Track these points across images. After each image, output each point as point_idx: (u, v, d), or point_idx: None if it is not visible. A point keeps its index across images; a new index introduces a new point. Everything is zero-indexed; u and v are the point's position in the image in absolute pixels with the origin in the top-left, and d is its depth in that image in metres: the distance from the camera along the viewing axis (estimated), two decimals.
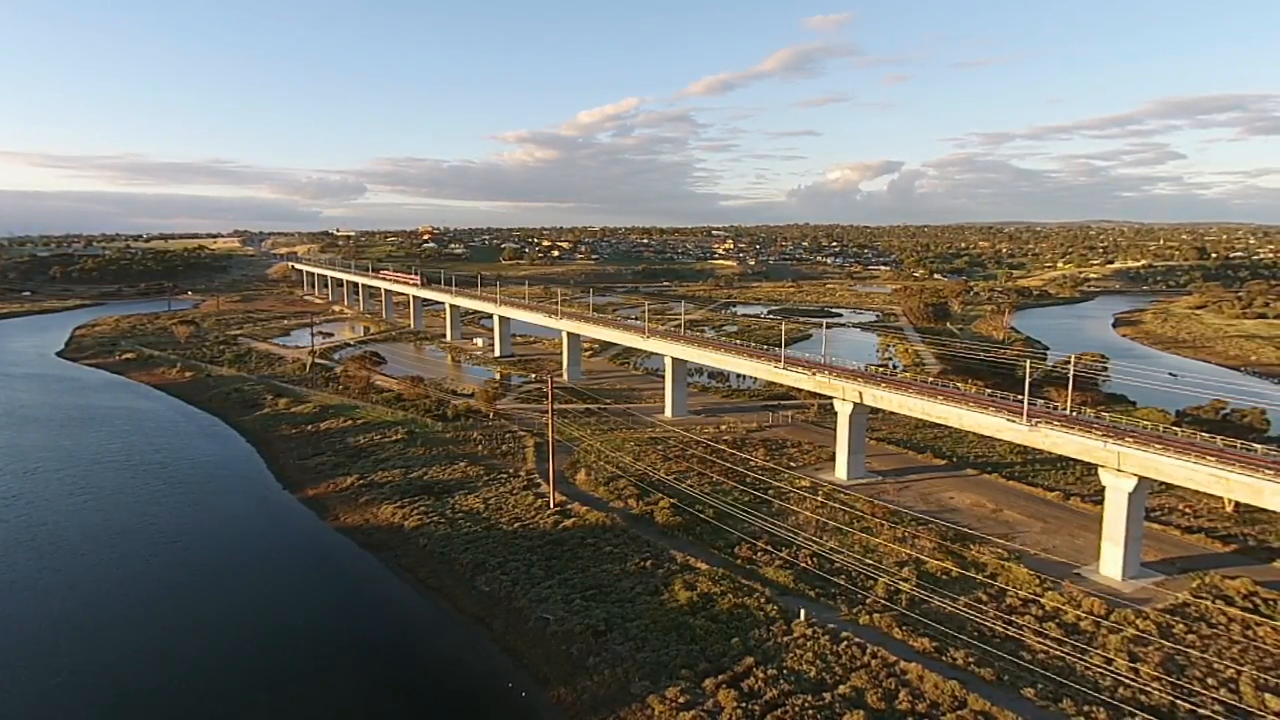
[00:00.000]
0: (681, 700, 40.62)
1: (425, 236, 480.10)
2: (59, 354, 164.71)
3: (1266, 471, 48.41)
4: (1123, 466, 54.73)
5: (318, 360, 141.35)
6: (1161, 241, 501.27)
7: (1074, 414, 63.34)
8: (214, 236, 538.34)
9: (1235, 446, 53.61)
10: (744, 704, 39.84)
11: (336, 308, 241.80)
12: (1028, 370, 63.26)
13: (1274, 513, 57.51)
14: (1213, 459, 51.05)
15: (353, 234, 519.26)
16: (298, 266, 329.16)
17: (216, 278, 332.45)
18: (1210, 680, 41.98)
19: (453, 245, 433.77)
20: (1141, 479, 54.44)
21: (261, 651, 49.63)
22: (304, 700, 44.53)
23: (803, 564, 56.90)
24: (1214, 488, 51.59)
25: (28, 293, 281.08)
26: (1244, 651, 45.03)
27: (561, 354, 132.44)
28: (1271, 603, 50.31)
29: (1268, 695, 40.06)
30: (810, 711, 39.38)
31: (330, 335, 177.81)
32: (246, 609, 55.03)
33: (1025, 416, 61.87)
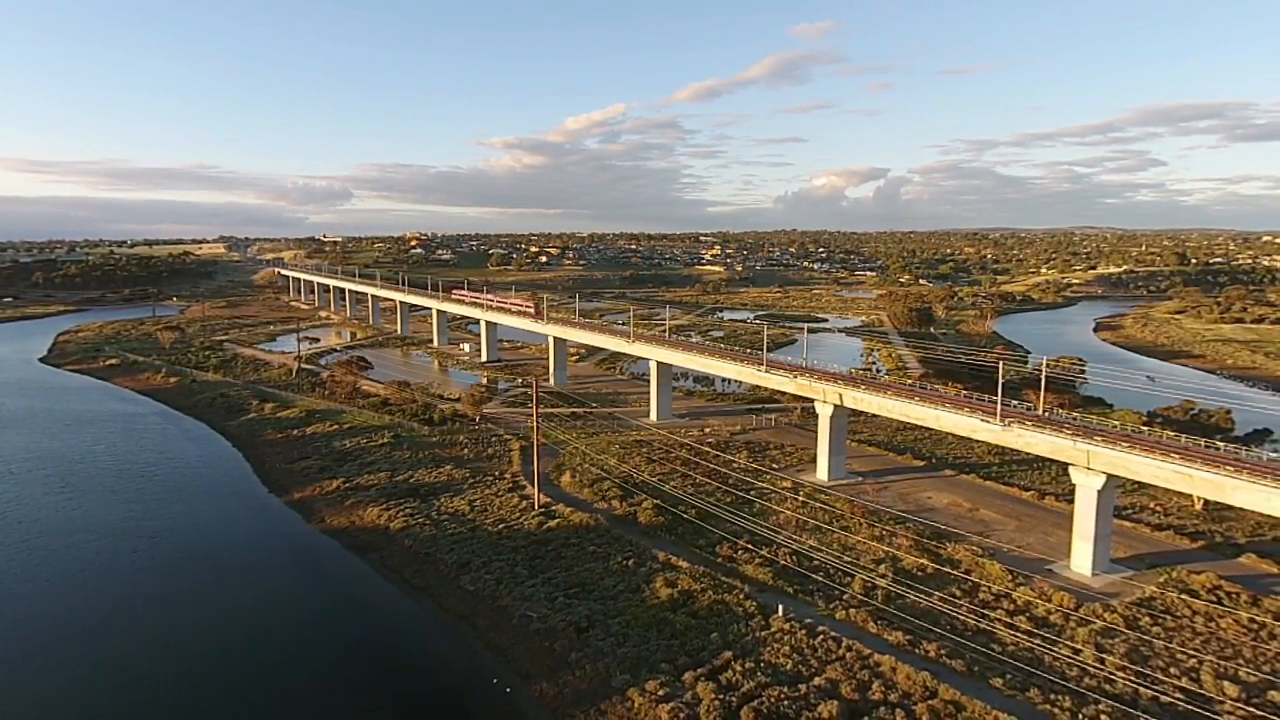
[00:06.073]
0: (661, 693, 41.58)
1: (413, 242, 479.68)
2: (42, 360, 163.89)
3: (1228, 468, 50.02)
4: (1092, 465, 56.23)
5: (304, 365, 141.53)
6: (1143, 247, 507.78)
7: (1046, 415, 64.87)
8: (199, 242, 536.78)
9: (1200, 445, 55.31)
10: (722, 696, 40.80)
11: (323, 313, 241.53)
12: (1000, 373, 64.75)
13: (1241, 510, 59.27)
14: (1177, 457, 52.64)
15: (340, 240, 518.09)
16: (284, 272, 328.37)
17: (202, 283, 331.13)
18: (1173, 669, 43.38)
19: (440, 251, 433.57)
20: (1110, 477, 55.93)
21: (248, 651, 50.12)
22: (291, 698, 45.11)
23: (782, 562, 57.98)
24: (1179, 484, 53.14)
25: (10, 299, 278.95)
26: (1206, 642, 46.50)
27: (548, 359, 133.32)
28: (1235, 596, 51.84)
29: (1226, 683, 41.47)
30: (786, 703, 40.38)
31: (316, 340, 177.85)
32: (232, 611, 55.45)
33: (999, 417, 63.36)
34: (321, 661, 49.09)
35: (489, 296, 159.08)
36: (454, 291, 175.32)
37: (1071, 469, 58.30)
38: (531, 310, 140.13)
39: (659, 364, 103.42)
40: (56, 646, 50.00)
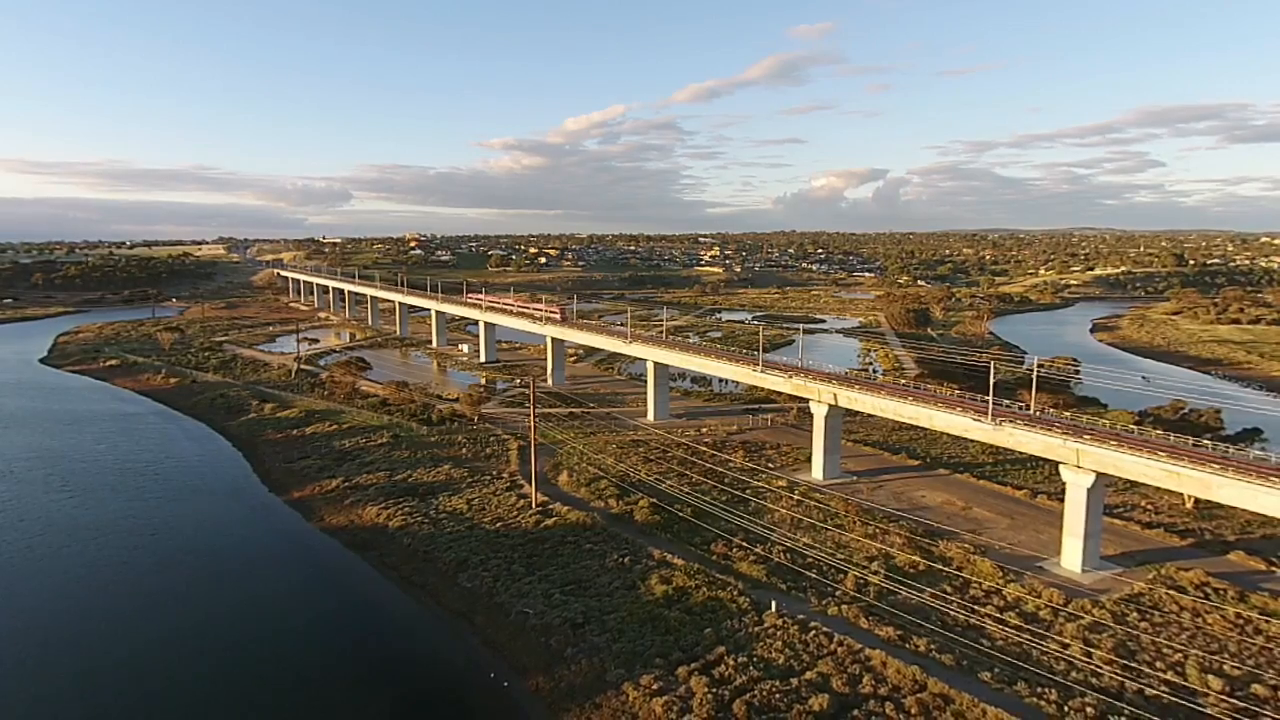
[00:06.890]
0: (655, 687, 42.26)
1: (412, 244, 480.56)
2: (42, 360, 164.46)
3: (1214, 466, 50.75)
4: (1081, 463, 56.93)
5: (303, 366, 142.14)
6: (1141, 249, 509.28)
7: (1038, 414, 65.60)
8: (199, 243, 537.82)
9: (1188, 444, 56.04)
10: (714, 689, 41.50)
11: (322, 314, 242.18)
12: (991, 373, 65.48)
13: (1231, 508, 59.91)
14: (1165, 455, 53.36)
15: (339, 241, 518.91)
16: (284, 273, 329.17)
17: (201, 285, 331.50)
18: (1159, 664, 44.06)
19: (440, 252, 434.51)
20: (1100, 475, 56.61)
21: (248, 648, 50.73)
22: (290, 694, 45.78)
23: (776, 559, 58.65)
24: (1166, 482, 53.85)
25: (10, 300, 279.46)
26: (1192, 637, 47.18)
27: (546, 359, 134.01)
28: (1222, 592, 52.54)
29: (1210, 676, 42.17)
30: (778, 696, 41.09)
31: (316, 341, 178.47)
32: (233, 608, 56.08)
33: (990, 417, 64.08)
34: (321, 658, 49.72)
35: (509, 300, 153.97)
36: (469, 295, 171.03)
37: (1062, 468, 59.00)
38: (558, 316, 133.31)
39: (656, 364, 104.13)
40: (57, 645, 50.63)
